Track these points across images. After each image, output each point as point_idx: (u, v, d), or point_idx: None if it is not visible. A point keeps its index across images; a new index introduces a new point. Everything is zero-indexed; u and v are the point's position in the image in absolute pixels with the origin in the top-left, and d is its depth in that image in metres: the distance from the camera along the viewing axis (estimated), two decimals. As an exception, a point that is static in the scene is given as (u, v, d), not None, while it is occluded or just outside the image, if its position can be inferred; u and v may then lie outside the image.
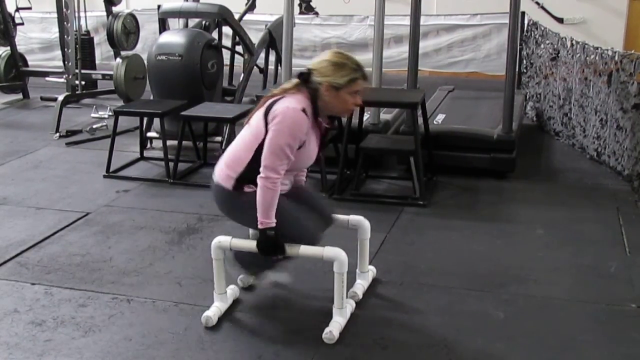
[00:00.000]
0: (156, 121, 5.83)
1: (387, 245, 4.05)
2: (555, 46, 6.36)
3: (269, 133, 2.93)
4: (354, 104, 3.03)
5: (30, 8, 8.14)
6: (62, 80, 7.53)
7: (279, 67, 7.07)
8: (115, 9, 7.61)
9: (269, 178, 2.93)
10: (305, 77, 2.98)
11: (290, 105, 2.92)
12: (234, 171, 3.06)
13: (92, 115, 6.98)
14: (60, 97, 6.94)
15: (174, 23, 7.06)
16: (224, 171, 3.10)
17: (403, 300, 3.41)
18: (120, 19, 7.38)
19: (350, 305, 3.22)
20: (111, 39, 7.41)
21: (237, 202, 3.10)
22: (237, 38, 6.88)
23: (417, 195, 4.72)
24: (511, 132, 5.21)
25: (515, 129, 5.36)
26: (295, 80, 3.03)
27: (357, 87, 2.99)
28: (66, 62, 7.34)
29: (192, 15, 6.64)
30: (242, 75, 6.60)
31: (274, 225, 2.98)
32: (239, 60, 7.21)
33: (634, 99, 4.85)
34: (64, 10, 7.30)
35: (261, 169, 2.94)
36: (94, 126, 6.62)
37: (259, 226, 2.99)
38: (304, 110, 2.93)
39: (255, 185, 2.99)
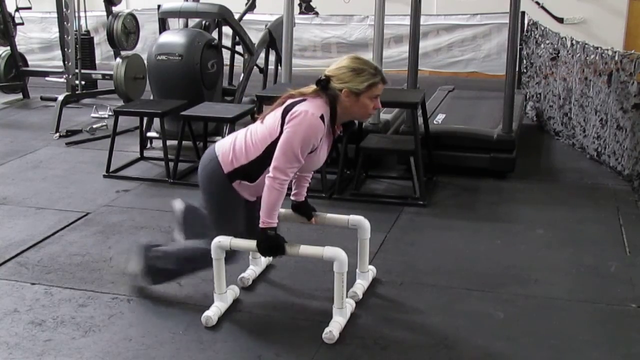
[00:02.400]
0: (156, 121, 5.83)
1: (387, 245, 4.05)
2: (555, 46, 6.36)
3: (284, 134, 2.90)
4: (374, 108, 3.02)
5: (30, 8, 8.14)
6: (62, 80, 7.53)
7: (279, 67, 7.07)
8: (115, 9, 7.60)
9: (277, 179, 2.92)
10: (323, 84, 2.95)
11: (310, 110, 2.89)
12: (238, 160, 3.04)
13: (92, 115, 6.99)
14: (60, 97, 6.94)
15: (174, 23, 7.06)
16: (228, 153, 3.06)
17: (403, 300, 3.41)
18: (120, 19, 7.38)
19: (350, 305, 3.22)
20: (111, 39, 7.41)
21: (222, 192, 3.11)
22: (237, 38, 6.88)
23: (417, 195, 4.72)
24: (511, 132, 5.21)
25: (515, 129, 5.37)
26: (312, 86, 3.00)
27: (377, 91, 2.98)
28: (66, 62, 7.33)
29: (192, 15, 6.63)
30: (242, 75, 6.60)
31: (275, 225, 2.99)
32: (239, 60, 7.21)
33: (634, 98, 4.85)
34: (64, 10, 7.30)
35: (270, 169, 2.93)
36: (94, 126, 6.62)
37: (261, 225, 2.99)
38: (322, 117, 2.91)
39: (249, 181, 3.03)
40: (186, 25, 6.90)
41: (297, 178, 3.28)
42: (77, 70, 7.24)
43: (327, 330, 3.02)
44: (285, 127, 2.91)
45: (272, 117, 3.00)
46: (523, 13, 7.24)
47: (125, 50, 7.56)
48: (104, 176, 5.31)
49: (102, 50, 9.70)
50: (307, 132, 2.88)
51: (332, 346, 2.99)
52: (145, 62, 6.42)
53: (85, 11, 7.68)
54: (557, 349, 2.97)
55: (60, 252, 3.96)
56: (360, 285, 3.44)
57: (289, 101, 2.97)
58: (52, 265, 3.79)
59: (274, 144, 2.94)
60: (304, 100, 2.96)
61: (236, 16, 6.78)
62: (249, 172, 3.03)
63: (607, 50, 5.31)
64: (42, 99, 7.96)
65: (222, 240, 3.14)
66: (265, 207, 2.96)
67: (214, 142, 5.67)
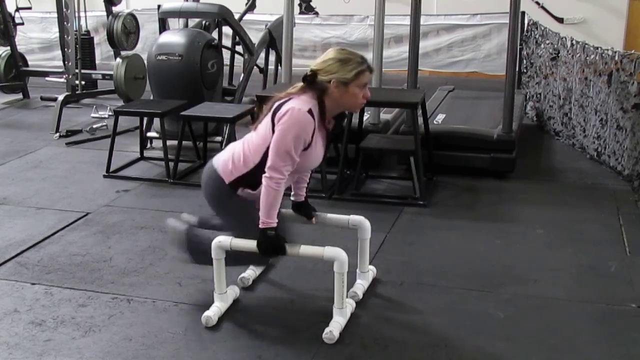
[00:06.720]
0: (156, 121, 5.83)
1: (387, 245, 4.05)
2: (555, 46, 6.36)
3: (275, 133, 2.93)
4: (363, 97, 3.05)
5: (30, 8, 8.15)
6: (62, 80, 7.54)
7: (279, 67, 7.07)
8: (115, 9, 7.61)
9: (272, 178, 2.93)
10: (310, 79, 2.98)
11: (296, 106, 2.91)
12: (237, 170, 3.07)
13: (92, 115, 6.98)
14: (60, 97, 6.94)
15: (174, 23, 7.07)
16: (227, 164, 3.09)
17: (403, 300, 3.41)
18: (120, 19, 7.39)
19: (350, 305, 3.21)
20: (111, 39, 7.42)
21: (229, 202, 3.14)
22: (237, 38, 6.89)
23: (417, 195, 4.72)
24: (511, 132, 5.21)
25: (515, 129, 5.37)
26: (299, 84, 3.03)
27: (365, 79, 3.01)
28: (66, 62, 7.34)
29: (192, 15, 6.64)
30: (242, 75, 6.60)
31: (275, 225, 2.99)
32: (239, 60, 7.21)
33: (634, 98, 4.85)
34: (64, 10, 7.30)
35: (266, 169, 2.95)
36: (94, 126, 6.62)
37: (260, 225, 2.99)
38: (310, 112, 2.92)
39: (251, 189, 3.05)
40: (186, 25, 6.90)
41: (296, 178, 3.28)
42: (77, 70, 7.24)
43: (327, 330, 3.02)
44: (275, 127, 2.93)
45: (264, 123, 3.03)
46: (523, 13, 7.23)
47: (125, 50, 7.56)
48: (104, 176, 5.31)
49: (102, 50, 9.71)
50: (297, 128, 2.90)
51: (332, 346, 2.99)
52: (145, 62, 6.42)
53: (85, 11, 7.68)
54: (557, 348, 2.97)
55: (60, 252, 3.96)
56: (361, 285, 3.44)
57: (277, 103, 3.00)
58: (52, 265, 3.79)
59: (269, 150, 2.96)
60: (290, 99, 2.98)
61: (236, 16, 6.78)
62: (250, 181, 3.05)
63: (607, 50, 5.31)
64: (42, 99, 7.96)
65: (222, 241, 3.15)
66: (264, 207, 2.97)
67: (214, 142, 5.77)
